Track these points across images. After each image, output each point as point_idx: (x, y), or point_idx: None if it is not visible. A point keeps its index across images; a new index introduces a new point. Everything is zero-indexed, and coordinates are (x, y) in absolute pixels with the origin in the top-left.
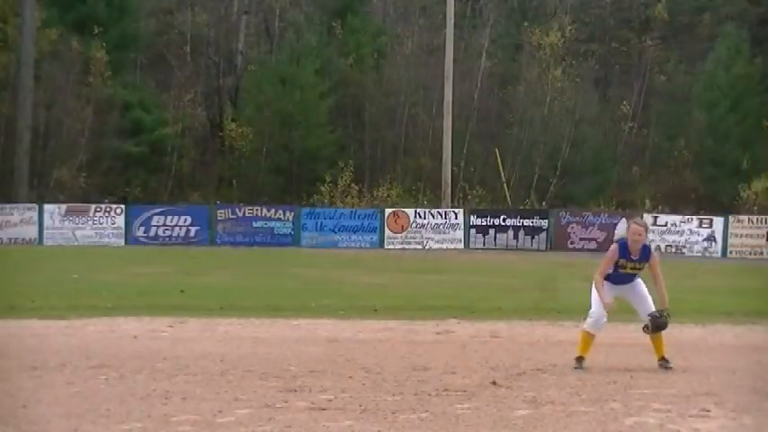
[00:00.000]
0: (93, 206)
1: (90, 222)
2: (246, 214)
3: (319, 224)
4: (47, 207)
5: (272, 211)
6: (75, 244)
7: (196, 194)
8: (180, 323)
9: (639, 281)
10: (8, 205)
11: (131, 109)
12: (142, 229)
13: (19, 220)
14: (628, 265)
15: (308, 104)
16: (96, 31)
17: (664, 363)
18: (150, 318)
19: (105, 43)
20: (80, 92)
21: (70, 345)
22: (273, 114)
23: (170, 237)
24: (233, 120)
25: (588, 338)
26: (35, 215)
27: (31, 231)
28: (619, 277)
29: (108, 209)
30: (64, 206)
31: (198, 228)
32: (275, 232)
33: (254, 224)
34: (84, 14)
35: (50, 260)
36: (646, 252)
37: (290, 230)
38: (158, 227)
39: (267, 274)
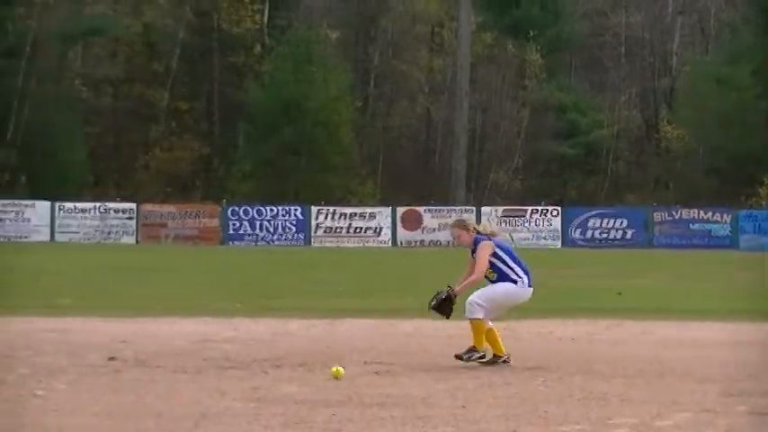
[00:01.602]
0: (530, 208)
1: (527, 224)
2: (683, 216)
3: (758, 227)
4: (484, 209)
5: (710, 213)
6: (513, 246)
7: (632, 196)
8: (617, 325)
9: (499, 284)
10: (446, 207)
11: (567, 111)
12: (579, 231)
13: None
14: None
15: (744, 105)
16: (531, 33)
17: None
18: (587, 320)
19: (540, 46)
20: (515, 94)
21: (508, 346)
22: (709, 116)
23: (606, 239)
24: (668, 121)
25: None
26: (473, 217)
27: None
28: None
29: (545, 211)
30: (501, 208)
31: (634, 230)
32: (713, 234)
33: (692, 226)
34: (519, 18)
35: None
36: (475, 245)
37: (727, 232)
38: (594, 229)
39: (704, 277)
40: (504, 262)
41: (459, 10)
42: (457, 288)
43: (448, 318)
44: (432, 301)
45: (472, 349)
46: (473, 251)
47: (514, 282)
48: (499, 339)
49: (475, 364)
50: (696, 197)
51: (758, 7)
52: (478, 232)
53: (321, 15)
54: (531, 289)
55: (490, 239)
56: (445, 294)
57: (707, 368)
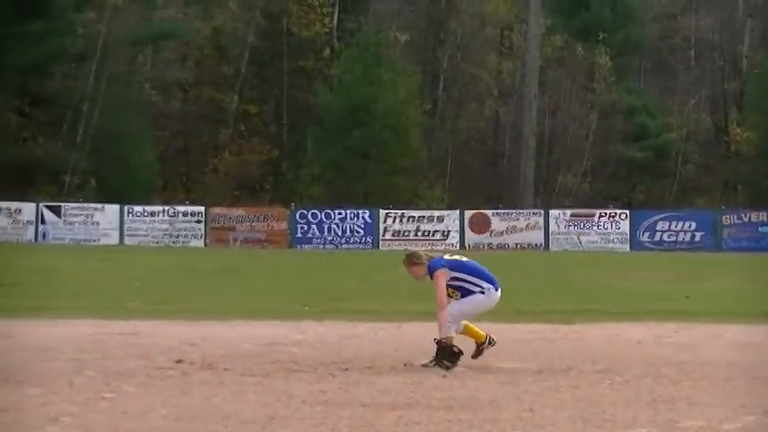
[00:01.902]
0: (599, 211)
1: (595, 227)
2: (752, 219)
3: None
4: (552, 212)
5: None
6: (580, 249)
7: (701, 199)
8: (685, 329)
9: (467, 298)
10: (514, 210)
11: (636, 114)
12: (647, 234)
13: (525, 225)
14: None
15: None
16: (600, 36)
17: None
18: (655, 323)
19: (609, 48)
20: (584, 97)
21: (576, 349)
22: None
23: (675, 242)
24: (738, 124)
25: None
26: (541, 220)
27: (537, 236)
28: None
29: (613, 214)
30: (569, 211)
31: (703, 233)
32: None
33: (760, 229)
34: (589, 20)
35: (556, 265)
36: (430, 275)
37: None
38: (663, 232)
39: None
40: (463, 281)
41: (529, 13)
42: (440, 336)
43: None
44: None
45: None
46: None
47: (482, 293)
48: (474, 327)
49: (438, 368)
50: (766, 200)
51: None
52: (430, 258)
53: (390, 18)
54: (499, 292)
55: (443, 265)
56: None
57: None
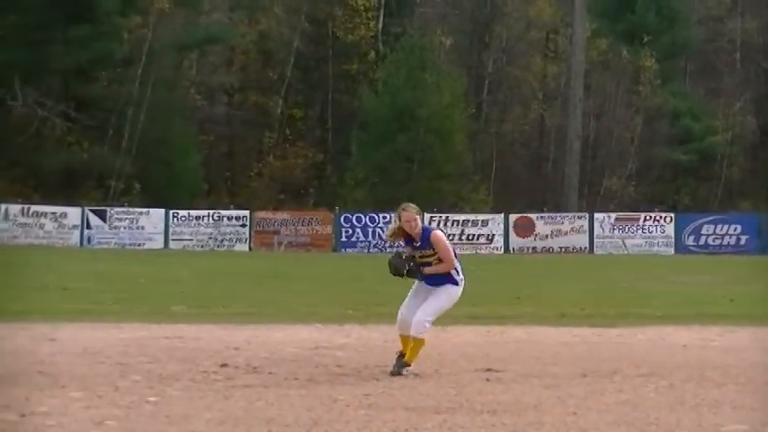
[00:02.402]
0: (643, 215)
1: (640, 231)
2: None
3: None
4: (597, 216)
5: None
6: (625, 252)
7: (746, 203)
8: (729, 332)
9: (441, 291)
10: (559, 214)
11: (681, 117)
12: (692, 237)
13: (569, 229)
14: (415, 254)
15: None
16: (646, 39)
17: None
18: (700, 326)
19: (655, 52)
20: (629, 100)
21: (620, 353)
22: None
23: (720, 245)
24: None
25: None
26: (585, 224)
27: (582, 240)
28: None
29: (658, 217)
30: (614, 215)
31: (748, 236)
32: None
33: None
34: (634, 23)
35: (601, 269)
36: (426, 236)
37: None
38: (708, 235)
39: None
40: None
41: (574, 16)
42: (428, 270)
43: (400, 275)
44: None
45: (407, 364)
46: (419, 244)
47: (456, 283)
48: None
49: (411, 376)
50: None
51: None
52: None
53: (435, 22)
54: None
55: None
56: (409, 262)
57: None
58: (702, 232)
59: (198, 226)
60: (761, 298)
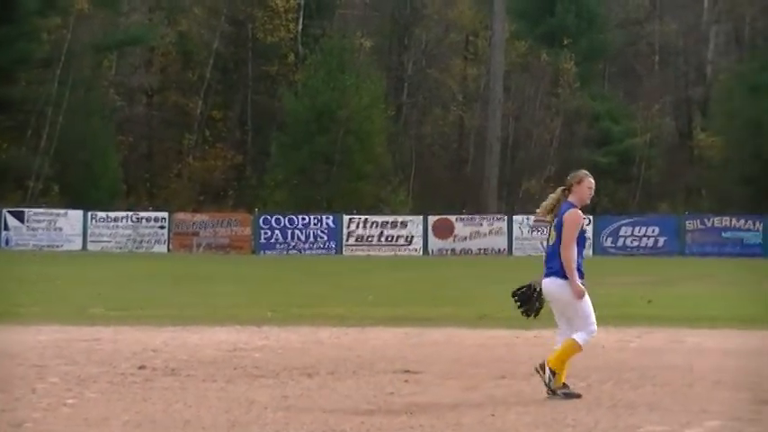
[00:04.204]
0: None
1: None
2: (715, 224)
3: None
4: (515, 217)
5: (742, 221)
6: (543, 254)
7: (664, 205)
8: (647, 333)
9: (568, 303)
10: (478, 216)
11: (600, 119)
12: (610, 239)
13: (488, 231)
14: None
15: None
16: (565, 42)
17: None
18: (617, 328)
19: (574, 54)
20: (549, 103)
21: (538, 354)
22: (743, 123)
23: (638, 247)
24: (702, 129)
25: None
26: (504, 225)
27: (501, 242)
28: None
29: None
30: (532, 217)
31: (666, 238)
32: (745, 242)
33: (724, 234)
34: (554, 26)
35: (520, 270)
36: (563, 210)
37: (759, 240)
38: (626, 237)
39: (735, 285)
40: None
41: (494, 18)
42: (574, 286)
43: (528, 316)
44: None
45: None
46: (556, 222)
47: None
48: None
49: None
50: (729, 205)
51: None
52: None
53: (355, 24)
54: None
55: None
56: (531, 289)
57: (738, 376)
58: (621, 234)
59: (116, 227)
60: (678, 299)
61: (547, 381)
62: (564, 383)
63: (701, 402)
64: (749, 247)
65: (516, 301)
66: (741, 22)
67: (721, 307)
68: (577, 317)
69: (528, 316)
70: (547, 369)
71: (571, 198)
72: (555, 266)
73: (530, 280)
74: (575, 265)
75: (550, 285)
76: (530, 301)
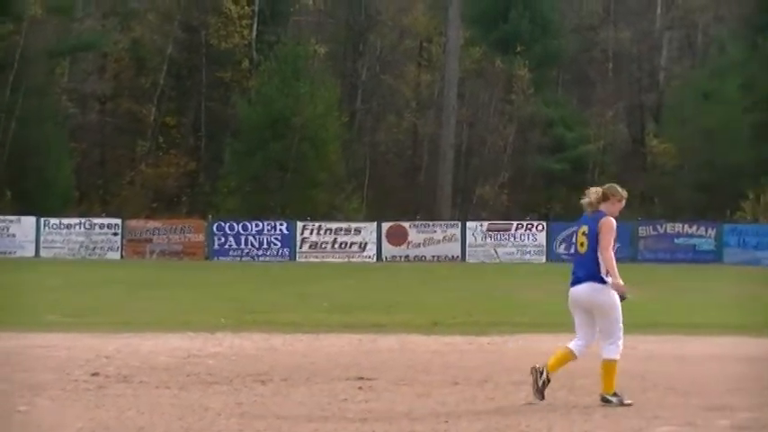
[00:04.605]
0: (515, 223)
1: (511, 239)
2: (668, 231)
3: (742, 241)
4: (469, 224)
5: (694, 227)
6: (497, 261)
7: None
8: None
9: (611, 302)
10: (432, 222)
11: (554, 126)
12: (563, 245)
13: (442, 237)
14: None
15: (730, 120)
16: (519, 48)
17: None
18: (571, 335)
19: (528, 60)
20: (503, 109)
21: (492, 360)
22: (696, 130)
23: None
24: (655, 136)
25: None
26: (458, 232)
27: (455, 248)
28: None
29: (530, 226)
30: (486, 223)
31: (619, 244)
32: (697, 249)
33: (676, 241)
34: (508, 32)
35: (473, 277)
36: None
37: (712, 247)
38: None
39: (689, 290)
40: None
41: (448, 25)
42: (616, 282)
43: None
44: None
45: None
46: (588, 230)
47: (604, 281)
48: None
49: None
50: (682, 212)
51: (745, 22)
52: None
53: (310, 31)
54: None
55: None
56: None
57: (690, 382)
58: (573, 241)
59: (69, 234)
60: (630, 306)
61: (619, 403)
62: (615, 392)
63: (653, 408)
64: (702, 254)
65: None
66: (694, 29)
67: (673, 313)
68: (610, 321)
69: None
70: (610, 398)
71: (603, 208)
72: (590, 272)
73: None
74: (615, 264)
75: (586, 290)
76: None
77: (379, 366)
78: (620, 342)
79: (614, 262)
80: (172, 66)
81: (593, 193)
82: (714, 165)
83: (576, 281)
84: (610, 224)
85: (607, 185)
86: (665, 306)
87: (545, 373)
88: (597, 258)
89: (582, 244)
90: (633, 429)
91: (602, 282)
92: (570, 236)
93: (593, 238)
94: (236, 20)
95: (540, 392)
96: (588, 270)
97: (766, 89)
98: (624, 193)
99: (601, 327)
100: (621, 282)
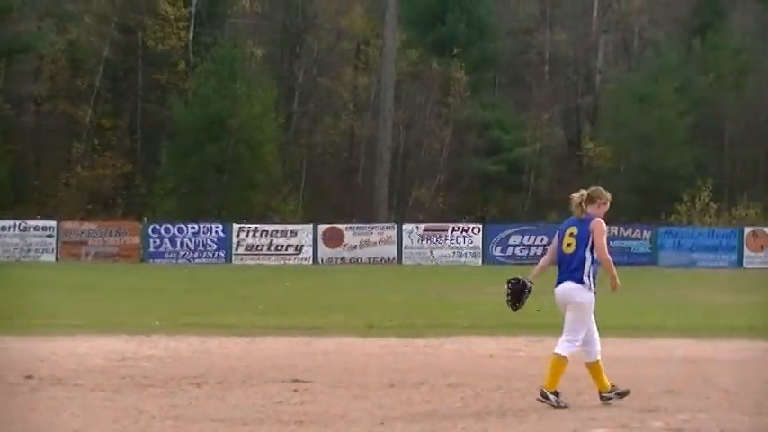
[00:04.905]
0: (451, 225)
1: (448, 242)
2: None
3: (677, 243)
4: (405, 226)
5: (630, 230)
6: (433, 263)
7: (554, 213)
8: (536, 342)
9: (582, 305)
10: (368, 225)
11: (490, 128)
12: (499, 248)
13: (378, 240)
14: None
15: (666, 123)
16: (456, 51)
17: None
18: (506, 337)
19: (464, 63)
20: (439, 112)
21: (427, 363)
22: (632, 133)
23: (527, 256)
24: (591, 139)
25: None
26: (394, 234)
27: (391, 251)
28: None
29: (466, 228)
30: (422, 225)
31: None
32: (633, 251)
33: (612, 243)
34: (444, 35)
35: (409, 279)
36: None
37: (647, 249)
38: (515, 246)
39: (625, 293)
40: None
41: (385, 27)
42: (617, 282)
43: (514, 310)
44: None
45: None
46: (577, 232)
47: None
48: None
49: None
50: (617, 214)
51: (681, 26)
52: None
53: (247, 33)
54: None
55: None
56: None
57: (625, 384)
58: (510, 243)
59: (4, 236)
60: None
61: (555, 404)
62: (612, 385)
63: (588, 410)
64: (637, 256)
65: (509, 293)
66: (630, 33)
67: (608, 315)
68: (576, 320)
69: (514, 310)
70: (550, 395)
71: (590, 210)
72: (573, 272)
73: (520, 276)
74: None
75: (566, 288)
76: (519, 297)
77: (314, 369)
78: (578, 344)
79: (611, 262)
80: (108, 67)
81: (578, 196)
82: (649, 168)
83: (560, 280)
84: (602, 227)
85: (591, 188)
86: (600, 308)
87: (550, 396)
88: (583, 259)
89: (569, 245)
90: (568, 430)
91: (581, 282)
92: (507, 238)
93: (583, 240)
94: (173, 21)
95: (562, 407)
96: (572, 270)
97: (701, 92)
98: (608, 196)
99: (567, 322)
100: (619, 282)
